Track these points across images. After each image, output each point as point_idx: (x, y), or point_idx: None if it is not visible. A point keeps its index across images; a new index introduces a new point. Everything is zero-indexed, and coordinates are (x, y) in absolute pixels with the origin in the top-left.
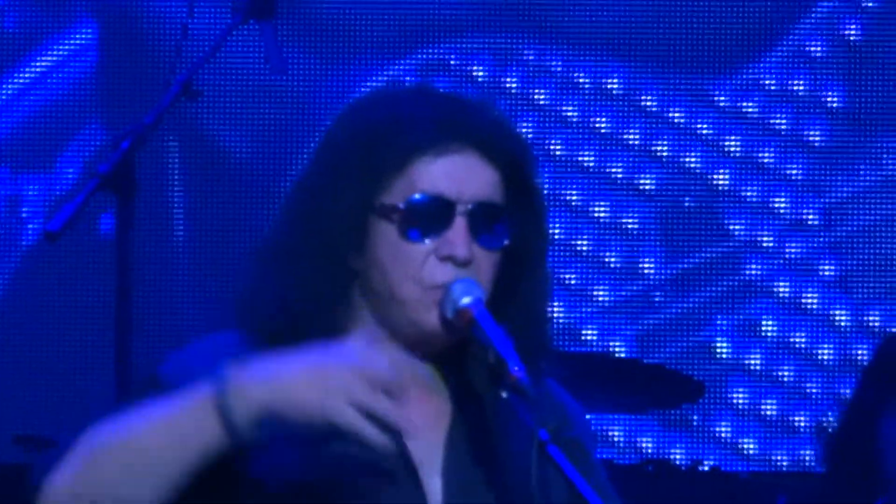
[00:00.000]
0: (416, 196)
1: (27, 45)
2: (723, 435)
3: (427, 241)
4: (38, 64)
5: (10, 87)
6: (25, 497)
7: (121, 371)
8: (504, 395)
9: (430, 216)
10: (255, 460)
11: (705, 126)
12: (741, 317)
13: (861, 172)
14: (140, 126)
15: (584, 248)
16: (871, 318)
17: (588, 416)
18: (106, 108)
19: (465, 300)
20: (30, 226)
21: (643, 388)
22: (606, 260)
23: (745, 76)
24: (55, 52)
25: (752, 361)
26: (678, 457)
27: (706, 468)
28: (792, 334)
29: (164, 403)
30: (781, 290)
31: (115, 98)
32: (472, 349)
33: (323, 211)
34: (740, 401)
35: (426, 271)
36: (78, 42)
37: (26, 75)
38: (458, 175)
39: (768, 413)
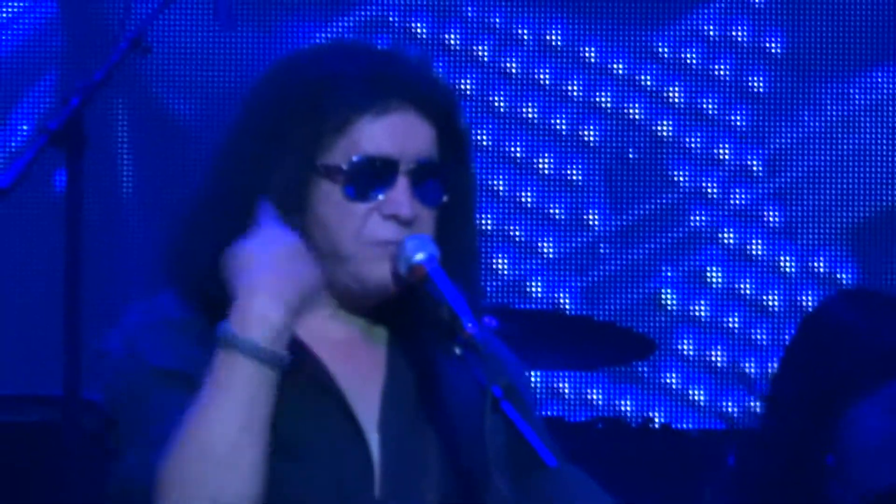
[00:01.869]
0: (359, 157)
1: None
2: (672, 386)
3: (370, 200)
4: None
5: None
6: None
7: (70, 326)
8: (458, 351)
9: (373, 176)
10: None
11: (647, 77)
12: (687, 267)
13: (804, 119)
14: (90, 82)
15: (529, 202)
16: (817, 265)
17: (535, 372)
18: (61, 63)
19: (419, 256)
20: None
21: (594, 345)
22: (552, 213)
23: (685, 26)
24: (10, 6)
25: (700, 311)
26: (628, 410)
27: (657, 426)
28: (738, 283)
29: (200, 394)
30: (727, 238)
31: (71, 53)
32: (420, 304)
33: (261, 173)
34: (689, 351)
35: (369, 229)
36: None
37: None
38: (399, 134)
39: (717, 363)
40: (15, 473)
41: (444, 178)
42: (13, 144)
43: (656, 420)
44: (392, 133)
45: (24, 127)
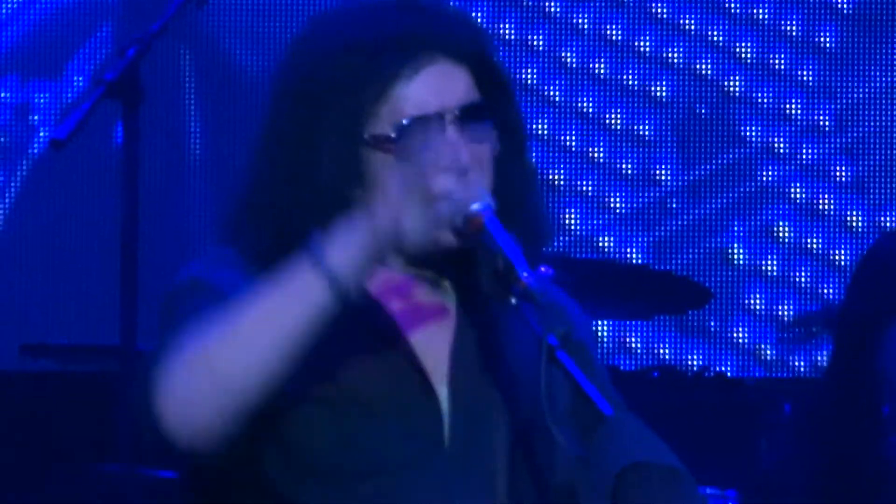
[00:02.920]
0: (404, 121)
1: None
2: (740, 340)
3: (426, 157)
4: None
5: None
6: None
7: (127, 281)
8: (514, 301)
9: (422, 135)
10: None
11: (717, 32)
12: (757, 222)
13: (873, 75)
14: (146, 34)
15: (600, 158)
16: (886, 220)
17: (603, 323)
18: (118, 14)
19: (475, 206)
20: (40, 133)
21: (650, 295)
22: (622, 168)
23: None
24: None
25: (768, 266)
26: (695, 364)
27: (711, 374)
28: (807, 238)
29: (257, 284)
30: (796, 194)
31: (127, 6)
32: (481, 255)
33: (314, 148)
34: (757, 306)
35: (430, 185)
36: None
37: None
38: (436, 87)
39: (785, 317)
40: (71, 423)
41: (490, 116)
42: (69, 97)
43: (711, 370)
44: (430, 89)
45: (80, 79)
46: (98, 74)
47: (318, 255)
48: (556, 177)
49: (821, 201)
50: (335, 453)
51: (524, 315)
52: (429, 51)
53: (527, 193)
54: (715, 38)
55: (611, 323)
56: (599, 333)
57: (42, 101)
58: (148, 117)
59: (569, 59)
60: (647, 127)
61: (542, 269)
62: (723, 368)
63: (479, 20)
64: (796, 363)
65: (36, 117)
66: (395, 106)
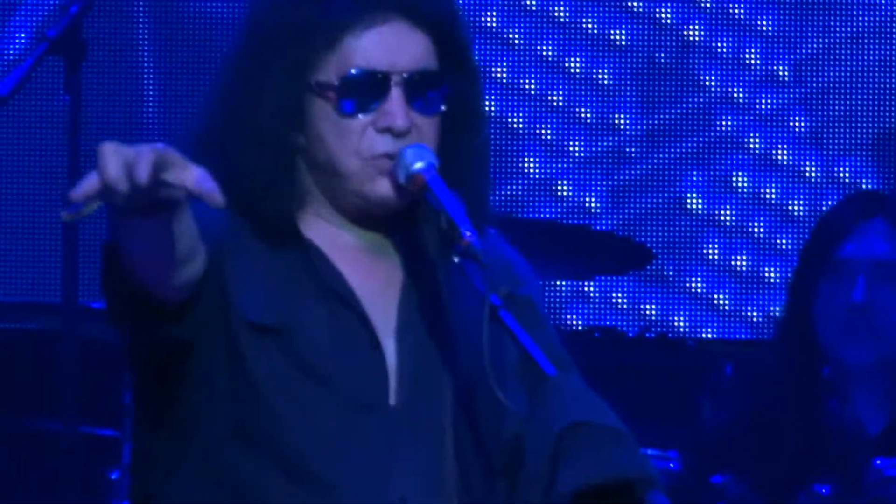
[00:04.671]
0: (350, 72)
1: None
2: (696, 290)
3: (364, 114)
4: None
5: None
6: None
7: (69, 237)
8: (456, 259)
9: (365, 90)
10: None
11: None
12: (713, 171)
13: (832, 26)
14: None
15: (559, 103)
16: (841, 172)
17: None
18: None
19: (418, 165)
20: None
21: (593, 254)
22: (580, 114)
23: None
24: None
25: (725, 216)
26: (652, 314)
27: (653, 335)
28: (763, 188)
29: None
30: (753, 144)
31: None
32: (424, 214)
33: (259, 93)
34: (712, 255)
35: (366, 143)
36: None
37: None
38: (388, 46)
39: (740, 268)
40: (14, 380)
41: (442, 86)
42: (11, 53)
43: (652, 330)
44: (382, 45)
45: (21, 35)
46: (40, 31)
47: None
48: (516, 121)
49: (777, 152)
50: (283, 394)
51: (467, 273)
52: (387, 8)
53: (470, 175)
54: None
55: (560, 280)
56: (556, 284)
57: None
58: (100, 71)
59: (529, 3)
60: (606, 72)
61: (487, 228)
62: (678, 318)
63: None
64: (751, 314)
65: None
66: (344, 56)
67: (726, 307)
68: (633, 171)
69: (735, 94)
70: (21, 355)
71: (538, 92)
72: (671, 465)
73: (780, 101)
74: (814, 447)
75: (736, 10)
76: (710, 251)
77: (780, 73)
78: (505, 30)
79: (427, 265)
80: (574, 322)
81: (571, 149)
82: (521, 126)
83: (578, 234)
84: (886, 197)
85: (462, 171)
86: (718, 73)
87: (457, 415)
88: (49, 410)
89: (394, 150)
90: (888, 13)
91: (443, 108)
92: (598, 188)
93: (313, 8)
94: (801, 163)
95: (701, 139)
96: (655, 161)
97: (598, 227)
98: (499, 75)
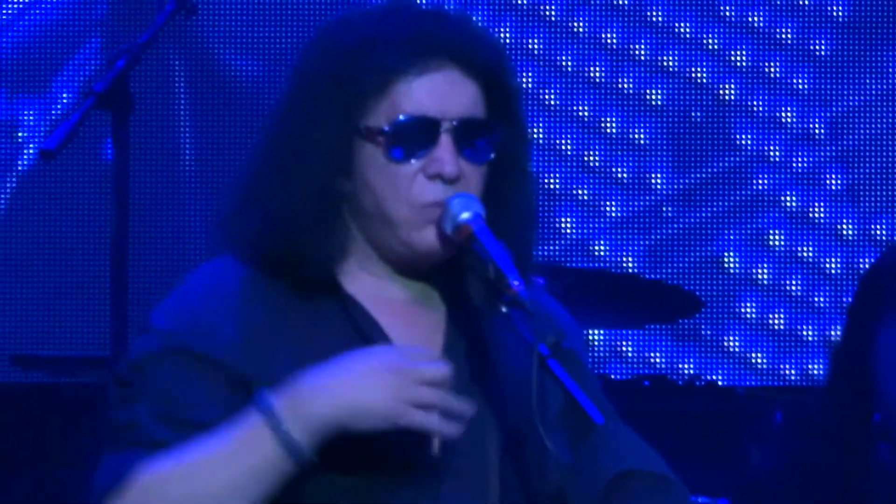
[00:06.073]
0: (401, 117)
1: None
2: (732, 349)
3: (414, 160)
4: None
5: (5, 8)
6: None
7: (117, 292)
8: (504, 309)
9: (415, 136)
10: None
11: (712, 38)
12: (750, 229)
13: (866, 83)
14: (135, 44)
15: (595, 163)
16: (877, 229)
17: (596, 331)
18: (103, 29)
19: (465, 215)
20: (27, 149)
21: (641, 303)
22: (616, 174)
23: None
24: None
25: (761, 274)
26: (689, 372)
27: (702, 383)
28: (800, 246)
29: (214, 438)
30: (789, 202)
31: (113, 19)
32: (470, 264)
33: (307, 137)
34: (749, 314)
35: (415, 190)
36: None
37: None
38: (439, 93)
39: (777, 326)
40: (62, 433)
41: (491, 135)
42: (56, 113)
43: (702, 378)
44: (432, 92)
45: (66, 95)
46: (88, 86)
47: (276, 420)
48: (552, 181)
49: (813, 209)
50: (327, 457)
51: (515, 323)
52: (439, 55)
53: (516, 225)
54: (710, 44)
55: (604, 330)
56: (592, 341)
57: (29, 117)
58: (139, 129)
59: (565, 64)
60: (641, 132)
61: (533, 278)
62: (714, 377)
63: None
64: (788, 372)
65: (23, 134)
66: (395, 101)
67: (763, 366)
68: (669, 230)
69: (770, 153)
70: (71, 409)
71: (574, 152)
72: None
73: (816, 158)
74: (863, 493)
75: (770, 69)
76: (747, 309)
77: (816, 131)
78: (541, 90)
79: (472, 315)
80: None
81: (607, 209)
82: (557, 186)
83: (628, 283)
84: None
85: (508, 222)
86: (753, 131)
87: (503, 465)
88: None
89: (443, 198)
90: None
91: (491, 156)
92: (635, 248)
93: (364, 54)
94: (838, 220)
95: (737, 197)
96: (691, 220)
97: None
98: (535, 136)
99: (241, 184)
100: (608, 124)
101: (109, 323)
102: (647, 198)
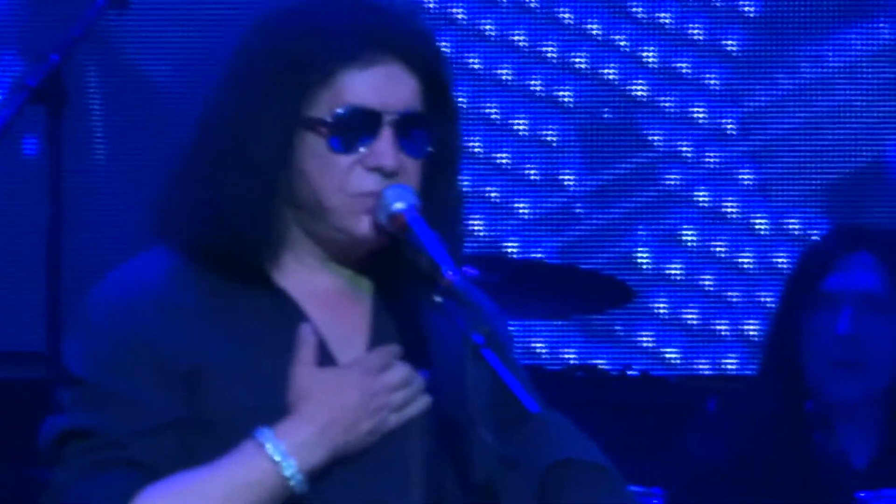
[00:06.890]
0: (343, 109)
1: None
2: (646, 343)
3: (354, 152)
4: None
5: None
6: None
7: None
8: (438, 299)
9: (357, 128)
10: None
11: (622, 37)
12: (662, 227)
13: (778, 80)
14: (69, 38)
15: (505, 162)
16: (790, 225)
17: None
18: (24, 35)
19: (399, 205)
20: None
21: (572, 294)
22: (527, 174)
23: None
24: None
25: (674, 270)
26: (601, 367)
27: (635, 373)
28: (712, 242)
29: (213, 473)
30: (701, 198)
31: (35, 25)
32: (403, 254)
33: (248, 125)
34: (662, 310)
35: (353, 181)
36: None
37: None
38: (383, 86)
39: (690, 321)
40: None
41: (429, 129)
42: None
43: (634, 368)
44: (376, 85)
45: None
46: (20, 80)
47: (276, 452)
48: (462, 182)
49: (725, 206)
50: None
51: (449, 312)
52: (383, 50)
53: (449, 218)
54: (619, 43)
55: (517, 326)
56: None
57: None
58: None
59: (474, 65)
60: (552, 131)
61: (466, 268)
62: (635, 368)
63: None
64: (702, 366)
65: None
66: (338, 92)
67: (677, 361)
68: (581, 229)
69: (681, 150)
70: (4, 405)
71: (483, 152)
72: (656, 501)
73: (728, 155)
74: (799, 482)
75: (680, 67)
76: (660, 306)
77: (727, 128)
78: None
79: (403, 305)
80: None
81: (519, 208)
82: (467, 187)
83: (559, 273)
84: (871, 230)
85: (441, 215)
86: (664, 129)
87: (431, 455)
88: (32, 459)
89: (379, 189)
90: (833, 65)
91: (428, 149)
92: (547, 246)
93: (309, 43)
94: (750, 216)
95: (648, 195)
96: (603, 218)
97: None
98: None
99: (176, 170)
100: (518, 123)
101: (45, 318)
102: (559, 197)
